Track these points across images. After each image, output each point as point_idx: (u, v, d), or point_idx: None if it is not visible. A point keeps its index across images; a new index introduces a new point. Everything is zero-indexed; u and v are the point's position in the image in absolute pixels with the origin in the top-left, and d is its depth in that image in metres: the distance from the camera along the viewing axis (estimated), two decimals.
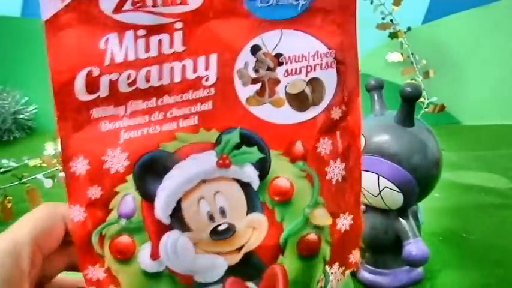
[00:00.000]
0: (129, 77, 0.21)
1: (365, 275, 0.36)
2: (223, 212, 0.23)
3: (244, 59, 0.22)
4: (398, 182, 0.33)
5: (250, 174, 0.22)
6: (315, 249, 0.24)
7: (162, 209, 0.22)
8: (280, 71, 0.22)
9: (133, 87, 0.21)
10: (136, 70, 0.21)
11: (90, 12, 0.21)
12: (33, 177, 0.61)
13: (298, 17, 0.22)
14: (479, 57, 1.07)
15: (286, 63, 0.22)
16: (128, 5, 0.21)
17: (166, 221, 0.22)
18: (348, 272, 0.25)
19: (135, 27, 0.21)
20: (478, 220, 0.48)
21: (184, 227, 0.22)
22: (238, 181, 0.22)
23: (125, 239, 0.22)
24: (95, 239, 0.22)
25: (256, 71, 0.22)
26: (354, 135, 0.24)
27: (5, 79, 1.06)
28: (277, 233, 0.23)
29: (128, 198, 0.22)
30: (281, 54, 0.22)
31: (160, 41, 0.21)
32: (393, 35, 0.99)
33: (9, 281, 0.21)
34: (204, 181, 0.22)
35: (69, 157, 0.22)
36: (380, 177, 0.33)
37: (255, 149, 0.22)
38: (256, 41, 0.22)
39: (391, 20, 0.98)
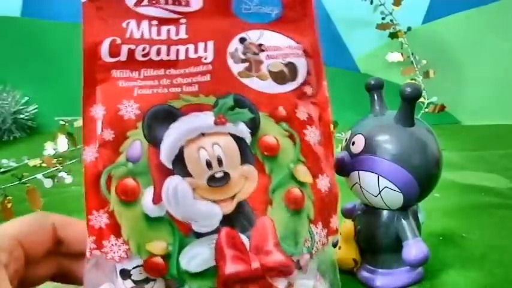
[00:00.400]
0: (144, 49, 0.26)
1: (365, 274, 0.36)
2: (219, 161, 0.26)
3: (234, 45, 0.28)
4: (398, 182, 0.33)
5: (243, 131, 0.27)
6: (300, 203, 0.27)
7: (166, 153, 0.25)
8: (262, 55, 0.29)
9: (147, 58, 0.26)
10: (150, 45, 0.26)
11: (117, 3, 0.26)
12: (33, 177, 0.61)
13: (272, 22, 0.29)
14: (479, 57, 1.07)
15: (267, 50, 0.29)
16: (145, 2, 0.27)
17: (169, 165, 0.25)
18: (330, 238, 0.28)
19: (150, 18, 0.27)
20: (478, 220, 0.48)
21: (185, 172, 0.25)
22: (233, 136, 0.27)
23: (130, 181, 0.25)
24: (103, 178, 0.25)
25: (244, 54, 0.28)
26: (323, 109, 0.30)
27: (5, 79, 1.06)
28: (266, 184, 0.27)
29: (136, 143, 0.25)
30: (262, 44, 0.29)
31: (168, 30, 0.27)
32: (393, 35, 0.99)
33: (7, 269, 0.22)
34: (203, 134, 0.26)
35: (90, 104, 0.25)
36: (380, 177, 0.33)
37: (246, 110, 0.27)
38: (242, 34, 0.28)
39: (391, 20, 0.98)
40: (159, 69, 0.27)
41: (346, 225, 0.37)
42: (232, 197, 0.26)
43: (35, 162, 0.74)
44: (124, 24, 0.26)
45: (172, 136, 0.25)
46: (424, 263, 0.34)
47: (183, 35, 0.27)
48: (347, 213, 0.38)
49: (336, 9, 1.07)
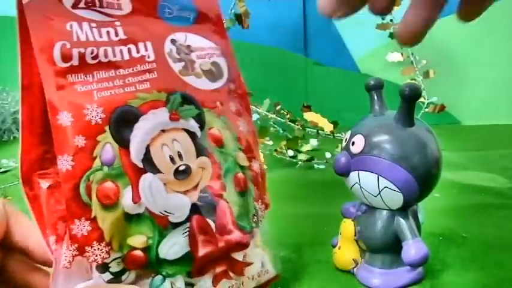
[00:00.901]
0: (92, 51, 0.27)
1: (364, 274, 0.36)
2: (180, 155, 0.28)
3: (168, 46, 0.30)
4: (398, 181, 0.33)
5: (194, 125, 0.29)
6: (245, 185, 0.32)
7: (136, 153, 0.27)
8: (193, 55, 0.31)
9: (97, 60, 0.27)
10: (97, 47, 0.27)
11: (56, 4, 0.26)
12: None
13: (192, 25, 0.32)
14: (479, 57, 1.07)
15: (195, 51, 0.31)
16: (82, 4, 0.27)
17: (140, 164, 0.27)
18: (266, 211, 0.33)
19: (89, 21, 0.27)
20: (478, 220, 0.48)
21: (155, 169, 0.27)
22: (187, 131, 0.29)
23: (109, 184, 0.26)
24: (82, 186, 0.25)
25: (178, 54, 0.30)
26: (245, 98, 0.34)
27: (5, 79, 1.06)
28: (218, 171, 0.30)
29: (107, 146, 0.26)
30: (190, 45, 0.31)
31: (108, 31, 0.28)
32: (393, 35, 0.99)
33: None
34: (163, 131, 0.28)
35: (55, 112, 0.25)
36: (380, 177, 0.33)
37: (193, 106, 0.30)
38: (172, 36, 0.31)
39: (391, 20, 0.98)
40: (110, 70, 0.27)
41: (346, 225, 0.37)
42: (196, 187, 0.29)
43: None
44: (68, 27, 0.26)
45: (138, 136, 0.27)
46: (424, 263, 0.34)
47: (122, 35, 0.28)
48: (347, 213, 0.38)
49: None
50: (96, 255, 0.25)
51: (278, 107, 0.85)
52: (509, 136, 0.91)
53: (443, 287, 0.36)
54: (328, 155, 0.76)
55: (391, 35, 0.99)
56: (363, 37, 1.06)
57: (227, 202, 0.30)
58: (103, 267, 0.26)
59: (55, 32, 0.26)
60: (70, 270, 0.25)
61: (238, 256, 0.31)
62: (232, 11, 0.79)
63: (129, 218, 0.26)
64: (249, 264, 0.32)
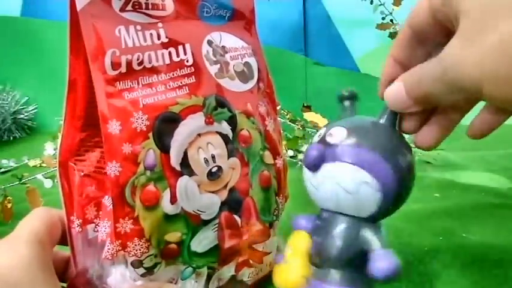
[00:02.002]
0: (138, 58, 0.27)
1: None
2: (213, 158, 0.30)
3: (205, 48, 0.31)
4: (379, 177, 0.28)
5: (226, 128, 0.31)
6: (269, 182, 0.34)
7: (175, 158, 0.28)
8: (227, 57, 0.32)
9: (142, 66, 0.28)
10: (142, 52, 0.28)
11: (107, 8, 0.27)
12: (33, 177, 0.61)
13: (226, 24, 0.33)
14: None
15: (229, 51, 0.32)
16: (129, 7, 0.28)
17: (178, 168, 0.28)
18: (285, 203, 0.36)
19: (135, 24, 0.28)
20: (478, 220, 0.48)
21: (191, 172, 0.29)
22: (220, 134, 0.30)
23: (151, 187, 0.27)
24: (128, 190, 0.27)
25: (214, 56, 0.31)
26: (272, 99, 0.36)
27: (5, 79, 1.06)
28: (246, 171, 0.32)
29: (150, 152, 0.27)
30: (225, 46, 0.32)
31: (151, 34, 0.28)
32: (393, 35, 0.99)
33: (45, 263, 0.25)
34: (199, 135, 0.29)
35: (106, 121, 0.26)
36: (359, 169, 0.28)
37: (225, 109, 0.31)
38: (208, 37, 0.31)
39: (391, 20, 0.98)
40: (152, 75, 0.28)
41: (300, 236, 0.31)
42: (225, 186, 0.31)
43: (35, 162, 0.75)
44: (117, 32, 0.27)
45: (177, 142, 0.28)
46: (391, 279, 0.28)
47: (164, 38, 0.29)
48: (299, 227, 0.32)
49: (336, 9, 1.07)
50: (137, 250, 0.27)
51: (278, 107, 0.85)
52: (509, 136, 0.91)
53: (443, 286, 0.36)
54: None
55: (391, 35, 0.99)
56: (363, 37, 1.06)
57: (252, 199, 0.32)
58: (138, 263, 0.28)
59: (106, 39, 0.27)
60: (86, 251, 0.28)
61: (259, 247, 0.33)
62: None
63: (167, 218, 0.28)
64: (268, 253, 0.34)
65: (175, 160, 0.28)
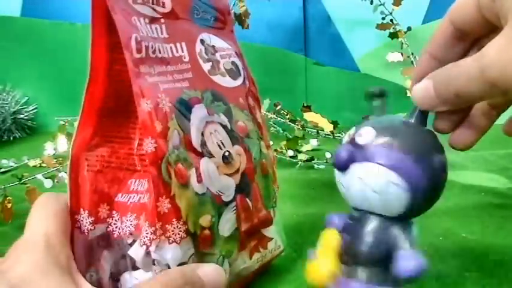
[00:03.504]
0: (152, 46, 0.28)
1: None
2: (222, 144, 0.32)
3: (199, 46, 0.33)
4: (407, 177, 0.29)
5: (224, 119, 0.32)
6: (267, 170, 0.36)
7: (195, 139, 0.29)
8: (217, 55, 0.34)
9: (155, 55, 0.28)
10: (154, 42, 0.28)
11: (121, 1, 0.28)
12: (33, 177, 0.61)
13: (212, 27, 0.35)
14: None
15: (219, 51, 0.34)
16: (139, 0, 0.29)
17: (199, 148, 0.29)
18: (278, 191, 0.38)
19: (144, 16, 0.29)
20: (478, 220, 0.48)
21: (210, 154, 0.30)
22: (220, 124, 0.32)
23: (180, 166, 0.28)
24: (164, 167, 0.27)
25: (206, 54, 0.33)
26: (256, 97, 0.38)
27: (5, 79, 1.06)
28: (250, 157, 0.34)
29: (175, 132, 0.28)
30: (215, 46, 0.34)
31: (156, 28, 0.29)
32: (393, 35, 0.99)
33: (63, 265, 0.25)
34: (207, 122, 0.31)
35: (139, 98, 0.27)
36: (388, 170, 0.29)
37: (221, 103, 0.33)
38: (200, 36, 0.33)
39: (391, 20, 0.98)
40: (162, 65, 0.29)
41: (330, 234, 0.32)
42: (237, 170, 0.33)
43: (35, 162, 0.75)
44: (133, 21, 0.28)
45: (194, 124, 0.29)
46: (417, 278, 0.29)
47: (165, 34, 0.30)
48: (331, 225, 0.32)
49: (336, 9, 1.07)
50: (176, 235, 0.27)
51: (278, 107, 0.85)
52: (510, 136, 0.91)
53: (443, 286, 0.36)
54: (328, 155, 0.76)
55: (391, 35, 0.99)
56: (363, 37, 1.06)
57: (257, 184, 0.35)
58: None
59: (131, 26, 0.27)
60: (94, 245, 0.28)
61: (265, 232, 0.36)
62: (232, 11, 0.79)
63: (198, 197, 0.29)
64: (271, 239, 0.37)
65: (195, 141, 0.29)
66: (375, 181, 0.29)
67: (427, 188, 0.29)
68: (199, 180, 0.29)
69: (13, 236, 0.26)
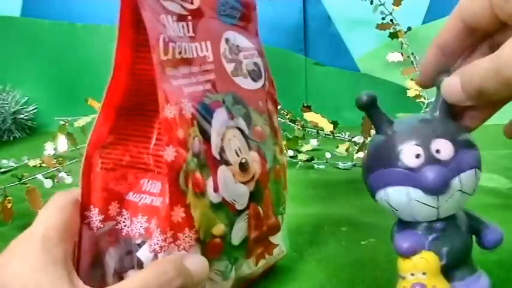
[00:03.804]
0: (179, 46, 0.27)
1: None
2: (240, 150, 0.31)
3: (223, 46, 0.31)
4: (479, 168, 0.30)
5: (243, 124, 0.32)
6: (280, 176, 0.36)
7: (215, 146, 0.29)
8: (241, 56, 0.33)
9: (181, 56, 0.27)
10: (180, 42, 0.27)
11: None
12: (33, 177, 0.61)
13: (237, 24, 0.33)
14: None
15: (242, 51, 0.33)
16: None
17: (218, 156, 0.29)
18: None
19: (171, 13, 0.27)
20: (502, 236, 0.48)
21: (227, 162, 0.30)
22: (239, 129, 0.31)
23: (198, 175, 0.27)
24: (182, 175, 0.26)
25: (230, 54, 0.32)
26: (274, 100, 0.37)
27: (5, 79, 1.06)
28: (265, 164, 0.33)
29: (196, 139, 0.27)
30: (239, 45, 0.33)
31: (183, 26, 0.28)
32: (393, 35, 0.99)
33: (63, 261, 0.24)
34: (227, 127, 0.30)
35: (163, 105, 0.26)
36: (477, 170, 0.29)
37: (241, 106, 0.32)
38: (226, 35, 0.32)
39: (391, 20, 0.98)
40: (187, 66, 0.28)
41: (428, 258, 0.29)
42: (252, 178, 0.32)
43: (35, 162, 0.75)
44: (161, 19, 0.27)
45: (215, 131, 0.29)
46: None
47: (191, 33, 0.29)
48: (416, 246, 0.30)
49: (336, 9, 1.07)
50: (186, 243, 0.27)
51: (278, 107, 0.85)
52: (510, 139, 0.91)
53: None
54: (328, 155, 0.76)
55: (391, 35, 0.99)
56: (363, 37, 1.06)
57: (269, 191, 0.34)
58: None
59: (159, 25, 0.26)
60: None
61: (272, 239, 0.35)
62: None
63: (213, 207, 0.28)
64: (276, 245, 0.36)
65: (215, 148, 0.29)
66: (470, 186, 0.30)
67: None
68: (216, 189, 0.28)
69: (13, 236, 0.26)
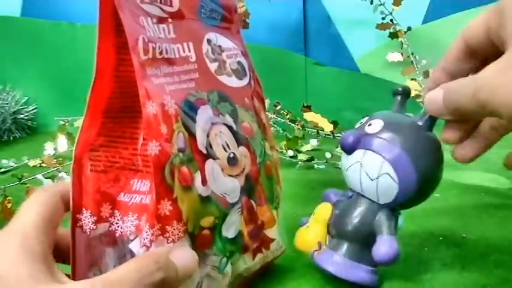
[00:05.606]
0: (159, 47, 0.28)
1: (324, 257, 0.35)
2: (227, 145, 0.32)
3: (205, 46, 0.32)
4: (400, 172, 0.32)
5: (229, 120, 0.32)
6: (271, 171, 0.36)
7: (200, 141, 0.29)
8: (224, 55, 0.34)
9: (161, 56, 0.28)
10: (161, 43, 0.28)
11: (130, 1, 0.28)
12: (33, 177, 0.61)
13: (218, 26, 0.34)
14: None
15: (225, 51, 0.34)
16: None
17: (204, 151, 0.30)
18: (281, 192, 0.38)
19: (151, 16, 0.28)
20: (478, 220, 0.48)
21: (215, 156, 0.30)
22: (226, 125, 0.32)
23: (185, 169, 0.28)
24: (167, 169, 0.27)
25: (213, 54, 0.33)
26: (261, 98, 0.37)
27: (5, 79, 1.06)
28: (255, 159, 0.34)
29: (180, 134, 0.28)
30: (221, 46, 0.34)
31: (163, 28, 0.29)
32: (393, 35, 0.99)
33: (40, 255, 0.24)
34: (213, 123, 0.31)
35: (145, 102, 0.27)
36: (385, 162, 0.32)
37: (227, 103, 0.33)
38: (207, 36, 0.33)
39: (391, 20, 0.98)
40: (169, 66, 0.29)
41: (323, 207, 0.37)
42: (242, 171, 0.33)
43: (35, 162, 0.75)
44: (140, 21, 0.28)
45: (200, 126, 0.30)
46: (391, 263, 0.32)
47: (172, 34, 0.30)
48: (327, 199, 0.38)
49: (336, 9, 1.07)
50: (175, 235, 0.27)
51: (278, 107, 0.85)
52: (509, 136, 0.91)
53: (443, 286, 0.36)
54: (328, 155, 0.76)
55: (391, 35, 0.99)
56: (363, 37, 1.06)
57: (261, 186, 0.35)
58: None
59: (136, 26, 0.27)
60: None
61: (268, 233, 0.36)
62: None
63: (202, 200, 0.29)
64: (273, 240, 0.36)
65: (201, 143, 0.29)
66: (371, 168, 0.33)
67: (416, 186, 0.32)
68: (204, 182, 0.29)
69: None
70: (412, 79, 0.95)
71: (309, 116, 0.80)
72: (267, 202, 0.36)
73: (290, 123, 0.82)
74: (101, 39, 0.27)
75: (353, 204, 0.35)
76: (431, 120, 0.32)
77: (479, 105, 0.24)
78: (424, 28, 1.04)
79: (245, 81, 0.35)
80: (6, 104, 1.02)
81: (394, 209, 0.34)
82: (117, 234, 0.28)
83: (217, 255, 0.31)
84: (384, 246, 0.32)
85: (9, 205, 0.53)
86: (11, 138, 1.02)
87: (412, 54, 0.98)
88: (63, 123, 0.79)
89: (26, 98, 1.07)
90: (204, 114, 0.30)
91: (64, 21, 1.07)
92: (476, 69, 0.28)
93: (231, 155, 0.32)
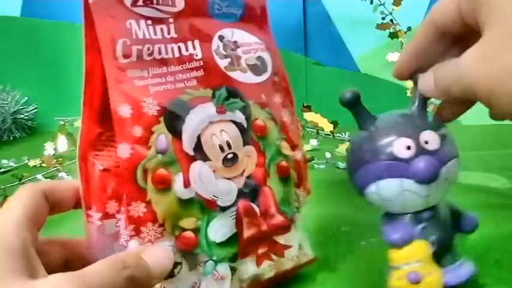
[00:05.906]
0: (148, 49, 0.29)
1: (452, 275, 0.31)
2: (229, 144, 0.31)
3: (216, 43, 0.32)
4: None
5: (240, 117, 0.32)
6: (288, 173, 0.34)
7: (187, 143, 0.29)
8: (239, 51, 0.33)
9: (152, 57, 0.29)
10: (152, 44, 0.29)
11: (117, 3, 0.28)
12: (33, 177, 0.61)
13: (238, 21, 0.34)
14: None
15: (241, 46, 0.33)
16: (140, 2, 0.29)
17: (191, 152, 0.29)
18: (307, 197, 0.36)
19: (145, 18, 0.29)
20: (478, 220, 0.48)
21: (205, 157, 0.30)
22: (234, 122, 0.31)
23: (162, 171, 0.28)
24: (139, 172, 0.27)
25: (225, 50, 0.32)
26: (288, 91, 0.36)
27: (5, 79, 1.06)
28: (263, 159, 0.33)
29: (161, 136, 0.28)
30: (236, 41, 0.33)
31: (161, 29, 0.29)
32: (393, 35, 0.99)
33: (22, 249, 0.24)
34: (211, 122, 0.30)
35: (116, 105, 0.27)
36: (458, 160, 0.31)
37: (238, 99, 0.32)
38: (219, 33, 0.33)
39: (391, 20, 0.98)
40: (162, 67, 0.29)
41: (419, 246, 0.30)
42: (242, 173, 0.32)
43: (35, 162, 0.75)
44: (128, 24, 0.28)
45: (189, 128, 0.29)
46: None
47: (173, 34, 0.30)
48: (405, 236, 0.31)
49: (336, 9, 1.07)
50: (151, 236, 0.28)
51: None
52: (509, 136, 0.91)
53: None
54: (328, 155, 0.76)
55: (391, 35, 0.99)
56: (363, 37, 1.06)
57: (270, 188, 0.33)
58: None
59: (117, 30, 0.28)
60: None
61: (279, 239, 0.34)
62: None
63: (181, 202, 0.29)
64: (289, 247, 0.34)
65: (187, 145, 0.29)
66: (455, 173, 0.31)
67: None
68: (187, 185, 0.29)
69: None
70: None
71: (309, 116, 0.80)
72: (279, 206, 0.33)
73: None
74: (87, 44, 0.28)
75: (439, 216, 0.31)
76: (424, 102, 0.31)
77: (463, 91, 0.25)
78: None
79: (264, 77, 0.34)
80: (6, 104, 1.02)
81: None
82: (121, 231, 0.29)
83: (204, 257, 0.30)
84: (471, 220, 0.33)
85: None
86: (11, 138, 1.02)
87: None
88: (63, 123, 0.80)
89: (26, 98, 1.07)
90: (201, 113, 0.30)
91: (64, 21, 1.07)
92: (445, 50, 0.29)
93: (229, 156, 0.31)
